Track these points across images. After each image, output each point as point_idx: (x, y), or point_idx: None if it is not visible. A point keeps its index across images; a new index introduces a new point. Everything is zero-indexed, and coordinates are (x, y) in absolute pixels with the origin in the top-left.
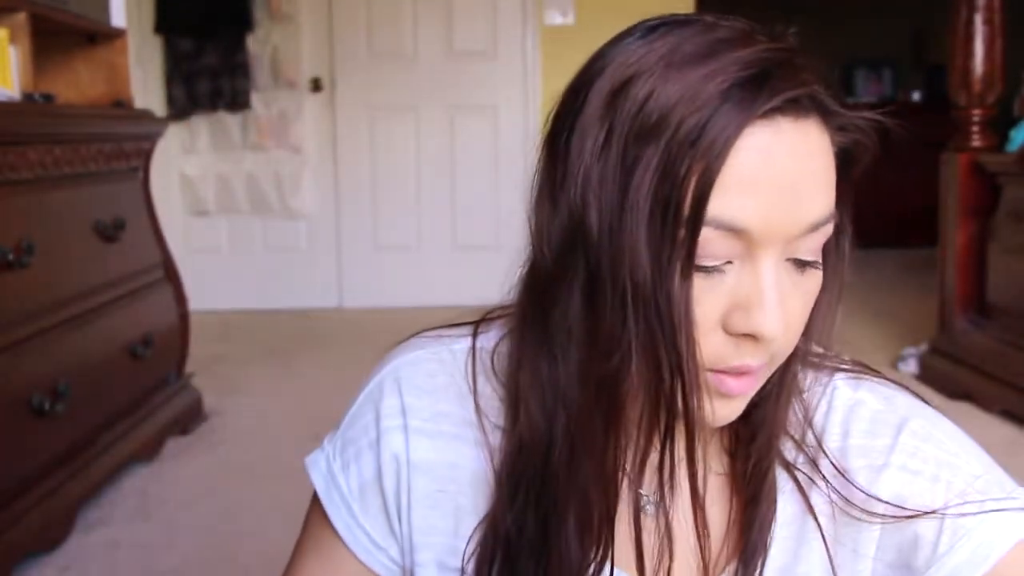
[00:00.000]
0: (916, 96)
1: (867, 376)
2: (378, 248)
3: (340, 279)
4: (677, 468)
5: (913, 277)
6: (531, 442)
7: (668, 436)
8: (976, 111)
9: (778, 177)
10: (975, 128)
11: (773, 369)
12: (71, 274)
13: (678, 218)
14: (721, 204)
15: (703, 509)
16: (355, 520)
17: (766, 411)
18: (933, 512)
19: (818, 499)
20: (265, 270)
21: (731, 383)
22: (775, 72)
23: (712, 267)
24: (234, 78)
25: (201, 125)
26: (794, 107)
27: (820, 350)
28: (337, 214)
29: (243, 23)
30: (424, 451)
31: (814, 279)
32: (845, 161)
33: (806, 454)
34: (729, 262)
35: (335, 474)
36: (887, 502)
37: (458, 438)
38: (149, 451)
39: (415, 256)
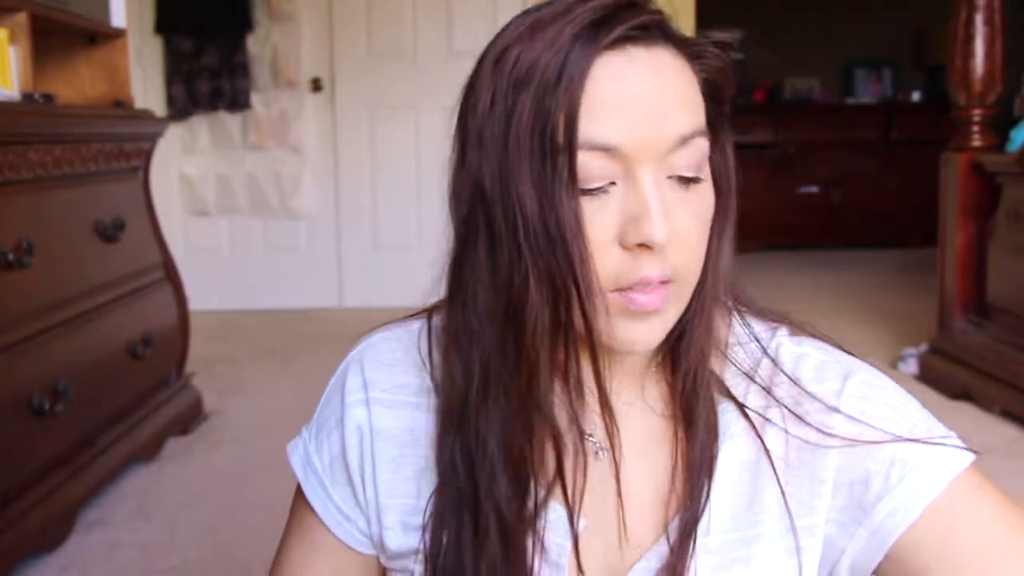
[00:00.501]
0: (916, 96)
1: (805, 333)
2: (378, 248)
3: (340, 279)
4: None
5: (913, 277)
6: (453, 389)
7: (572, 352)
8: (976, 111)
9: (636, 97)
10: (975, 128)
11: (683, 294)
12: (71, 274)
13: (555, 147)
14: (591, 128)
15: (614, 420)
16: (328, 496)
17: (692, 338)
18: (882, 443)
19: (773, 440)
20: (265, 270)
21: (639, 298)
22: (621, 11)
23: (596, 188)
24: (234, 78)
25: (201, 125)
26: (645, 37)
27: (759, 306)
28: (337, 214)
29: (243, 23)
30: (385, 419)
31: (701, 196)
32: (714, 90)
33: (760, 386)
34: (613, 183)
35: (310, 456)
36: (846, 414)
37: (417, 406)
38: (149, 451)
39: (415, 256)
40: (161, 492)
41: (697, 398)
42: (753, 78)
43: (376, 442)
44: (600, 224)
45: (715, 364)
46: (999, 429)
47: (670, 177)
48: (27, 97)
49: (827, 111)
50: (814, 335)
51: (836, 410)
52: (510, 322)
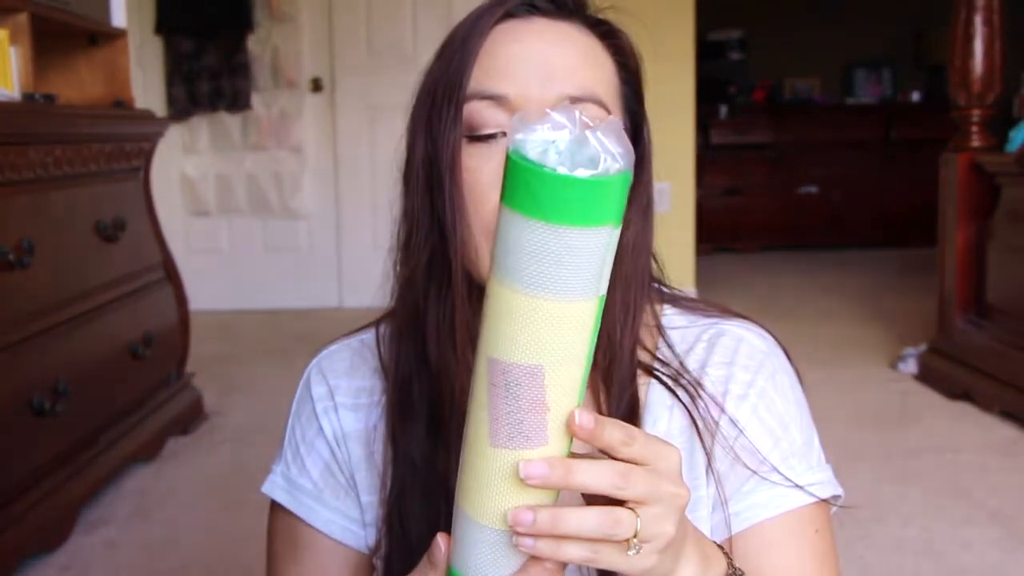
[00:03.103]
0: (916, 96)
1: (745, 320)
2: (378, 248)
3: (340, 279)
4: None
5: (913, 277)
6: (399, 365)
7: (448, 287)
8: (976, 111)
9: (529, 56)
10: (975, 128)
11: None
12: (72, 274)
13: (449, 99)
14: (483, 79)
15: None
16: (328, 507)
17: (608, 312)
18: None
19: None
20: (265, 270)
21: None
22: None
23: (488, 135)
24: (234, 78)
25: (201, 125)
26: (556, 13)
27: (694, 296)
28: (337, 214)
29: (243, 23)
30: (352, 422)
31: None
32: (630, 75)
33: (677, 367)
34: (504, 133)
35: (294, 480)
36: (751, 406)
37: (377, 405)
38: (149, 451)
39: None
40: (161, 492)
41: (614, 370)
42: (753, 78)
43: (350, 445)
44: (488, 170)
45: (648, 341)
46: (999, 429)
47: None
48: (28, 97)
49: (827, 111)
50: (760, 326)
51: (744, 399)
52: (431, 265)
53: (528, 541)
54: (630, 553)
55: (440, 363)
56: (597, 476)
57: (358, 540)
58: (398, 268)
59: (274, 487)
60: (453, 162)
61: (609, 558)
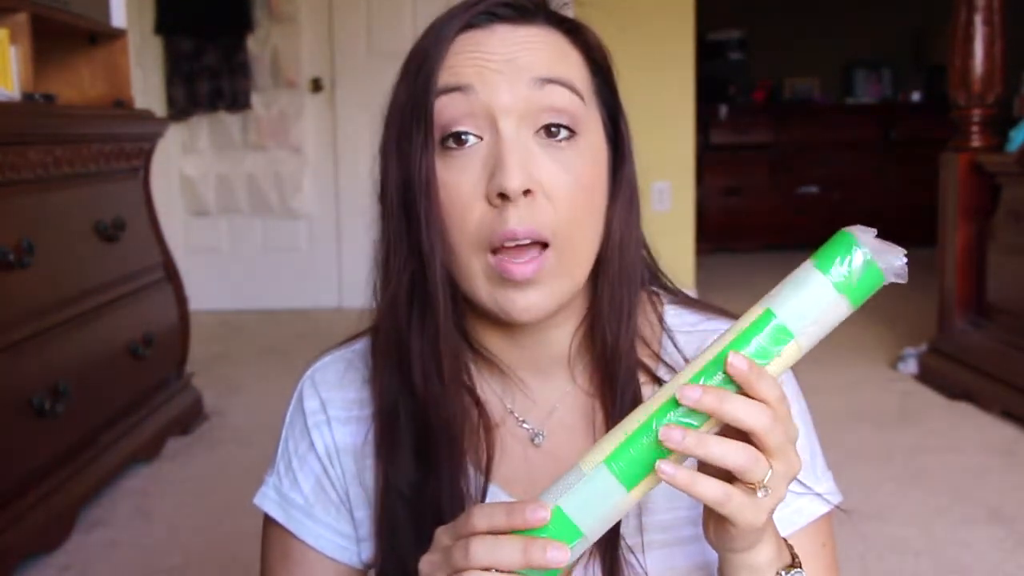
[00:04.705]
0: (916, 97)
1: None
2: None
3: (340, 279)
4: (529, 392)
5: (913, 277)
6: (385, 388)
7: (431, 315)
8: (976, 111)
9: (492, 53)
10: (975, 128)
11: (568, 263)
12: (71, 274)
13: (418, 120)
14: (445, 75)
15: (475, 396)
16: (319, 523)
17: (601, 316)
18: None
19: None
20: (265, 270)
21: (510, 267)
22: None
23: (461, 140)
24: (234, 78)
25: (201, 125)
26: (516, 18)
27: (695, 296)
28: (337, 214)
29: (243, 23)
30: (344, 436)
31: (577, 154)
32: (599, 67)
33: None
34: (480, 139)
35: (286, 494)
36: None
37: (364, 419)
38: (149, 451)
39: None
40: (161, 492)
41: (615, 376)
42: (753, 78)
43: (343, 459)
44: (466, 180)
45: (648, 349)
46: (999, 429)
47: (538, 133)
48: (28, 97)
49: (827, 111)
50: None
51: None
52: (410, 287)
53: (669, 469)
54: (759, 495)
55: (427, 394)
56: (749, 410)
57: (350, 556)
58: (378, 291)
59: (265, 499)
60: (428, 188)
61: (739, 500)
